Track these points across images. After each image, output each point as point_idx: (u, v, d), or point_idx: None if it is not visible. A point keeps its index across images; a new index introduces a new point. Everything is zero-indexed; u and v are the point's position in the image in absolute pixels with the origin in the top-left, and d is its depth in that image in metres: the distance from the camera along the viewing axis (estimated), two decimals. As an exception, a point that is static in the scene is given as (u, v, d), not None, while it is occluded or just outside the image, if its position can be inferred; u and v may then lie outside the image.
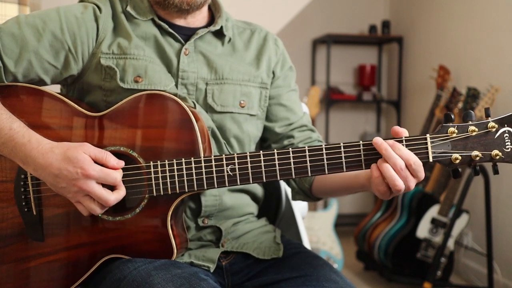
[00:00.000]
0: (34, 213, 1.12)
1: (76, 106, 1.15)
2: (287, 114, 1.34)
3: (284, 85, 1.35)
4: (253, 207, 1.32)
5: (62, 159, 1.02)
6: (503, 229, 3.05)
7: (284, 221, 1.59)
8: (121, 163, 1.07)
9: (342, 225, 4.20)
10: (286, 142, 1.32)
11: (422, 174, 1.02)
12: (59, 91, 1.28)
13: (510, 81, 3.01)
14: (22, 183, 1.12)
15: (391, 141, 1.01)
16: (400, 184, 1.00)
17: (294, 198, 1.34)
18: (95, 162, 1.04)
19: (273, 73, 1.33)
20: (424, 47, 4.04)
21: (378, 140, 1.01)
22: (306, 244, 1.53)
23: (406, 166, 1.00)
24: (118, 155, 1.13)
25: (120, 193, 1.06)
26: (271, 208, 1.54)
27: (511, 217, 3.01)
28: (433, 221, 2.98)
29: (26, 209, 1.12)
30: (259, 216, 1.37)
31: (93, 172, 1.02)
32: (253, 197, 1.32)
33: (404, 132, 1.03)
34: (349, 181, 1.17)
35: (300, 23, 4.37)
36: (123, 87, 1.17)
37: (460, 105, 3.07)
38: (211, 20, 1.32)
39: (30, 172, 1.07)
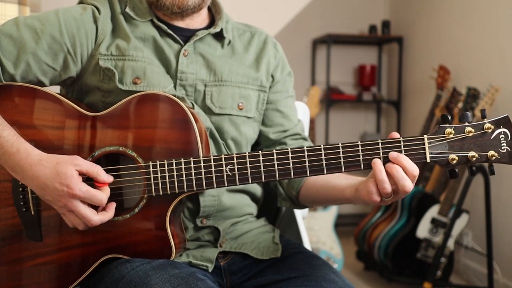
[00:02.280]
0: (33, 213, 1.12)
1: (74, 106, 1.14)
2: (282, 120, 1.34)
3: (282, 91, 1.35)
4: (253, 208, 1.32)
5: (51, 172, 1.02)
6: (503, 229, 3.04)
7: (285, 221, 1.58)
8: (111, 178, 1.06)
9: (342, 225, 4.20)
10: (278, 148, 1.31)
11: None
12: (58, 91, 1.28)
13: (510, 81, 3.01)
14: (20, 182, 1.11)
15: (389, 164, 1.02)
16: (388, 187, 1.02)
17: (280, 204, 1.34)
18: (87, 175, 1.04)
19: (272, 76, 1.33)
20: (424, 47, 4.04)
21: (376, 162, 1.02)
22: (307, 244, 1.53)
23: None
24: (116, 155, 1.13)
25: (106, 215, 1.06)
26: (272, 208, 1.54)
27: (511, 217, 3.01)
28: (433, 221, 2.98)
29: (24, 209, 1.12)
30: (259, 216, 1.37)
31: (79, 192, 1.01)
32: (253, 197, 1.32)
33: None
34: (335, 193, 1.17)
35: (300, 23, 4.36)
36: (121, 89, 1.17)
37: (460, 105, 3.07)
38: (212, 21, 1.32)
39: (18, 179, 1.07)
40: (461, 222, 2.94)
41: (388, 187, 1.00)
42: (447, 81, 3.36)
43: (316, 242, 3.25)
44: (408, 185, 1.00)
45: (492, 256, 2.80)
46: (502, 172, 2.98)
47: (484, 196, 2.80)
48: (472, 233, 3.27)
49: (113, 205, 1.07)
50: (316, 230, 3.29)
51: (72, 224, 1.06)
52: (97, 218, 1.04)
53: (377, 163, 1.02)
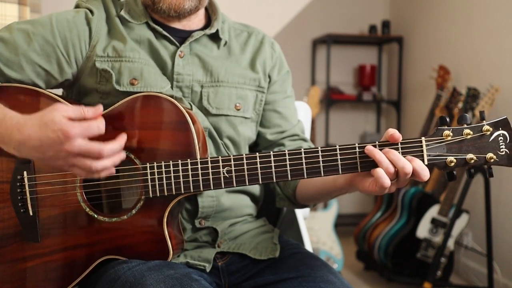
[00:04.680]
0: (31, 214, 1.12)
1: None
2: (280, 121, 1.33)
3: (280, 91, 1.34)
4: (252, 208, 1.32)
5: (39, 126, 0.96)
6: (503, 229, 3.04)
7: (286, 222, 1.58)
8: (100, 108, 0.98)
9: (342, 225, 4.20)
10: (276, 150, 1.31)
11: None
12: (60, 93, 1.29)
13: (510, 81, 3.00)
14: (18, 183, 1.12)
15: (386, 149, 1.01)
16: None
17: (278, 205, 1.33)
18: (74, 119, 0.96)
19: (269, 77, 1.32)
20: (424, 47, 4.04)
21: (370, 148, 1.01)
22: (308, 245, 1.53)
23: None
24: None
25: (115, 143, 0.98)
26: (273, 209, 1.54)
27: (511, 217, 3.00)
28: (433, 221, 2.98)
29: (22, 210, 1.12)
30: (260, 216, 1.36)
31: (73, 130, 0.93)
32: (252, 197, 1.32)
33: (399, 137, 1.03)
34: (327, 185, 1.16)
35: (300, 23, 4.36)
36: (119, 90, 1.17)
37: (460, 105, 3.06)
38: (208, 22, 1.31)
39: (12, 152, 1.01)
40: (461, 222, 2.94)
41: (391, 166, 0.99)
42: (447, 81, 3.36)
43: (316, 242, 3.25)
44: (408, 166, 0.98)
45: (492, 256, 2.80)
46: (502, 173, 2.98)
47: (484, 196, 2.80)
48: (472, 233, 3.26)
49: (122, 136, 1.01)
50: (316, 230, 3.29)
51: (85, 173, 0.99)
52: (109, 146, 0.96)
53: (371, 147, 1.01)
